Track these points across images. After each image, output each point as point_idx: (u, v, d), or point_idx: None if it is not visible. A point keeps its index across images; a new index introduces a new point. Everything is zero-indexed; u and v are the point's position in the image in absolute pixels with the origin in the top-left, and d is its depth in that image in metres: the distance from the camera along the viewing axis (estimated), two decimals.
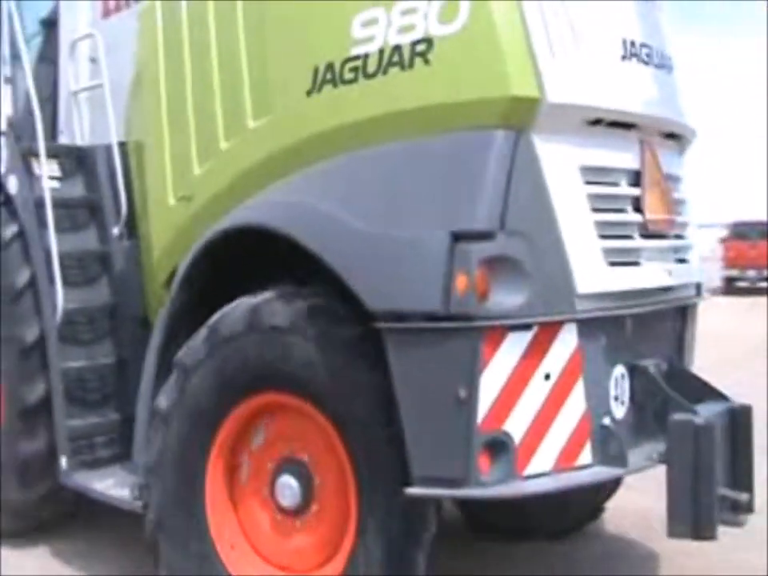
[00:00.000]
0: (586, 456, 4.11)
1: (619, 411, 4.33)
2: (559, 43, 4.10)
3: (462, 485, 3.83)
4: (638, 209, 4.48)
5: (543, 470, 3.99)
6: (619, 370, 4.36)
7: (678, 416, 4.14)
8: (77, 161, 6.09)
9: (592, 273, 4.15)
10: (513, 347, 3.88)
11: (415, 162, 4.05)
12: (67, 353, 5.68)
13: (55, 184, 5.98)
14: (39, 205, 5.81)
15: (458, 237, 3.82)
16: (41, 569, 5.12)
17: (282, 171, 4.45)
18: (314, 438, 4.31)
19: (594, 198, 4.24)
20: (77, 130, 6.21)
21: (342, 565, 4.24)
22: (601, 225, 4.24)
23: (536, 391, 3.95)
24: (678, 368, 4.74)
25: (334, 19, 4.30)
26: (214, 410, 4.43)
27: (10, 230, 5.91)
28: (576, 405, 4.08)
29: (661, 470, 4.17)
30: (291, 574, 4.48)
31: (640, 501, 6.37)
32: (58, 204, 5.87)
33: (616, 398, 4.33)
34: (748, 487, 4.35)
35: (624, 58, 4.42)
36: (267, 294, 4.35)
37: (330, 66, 4.28)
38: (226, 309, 4.44)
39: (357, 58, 4.19)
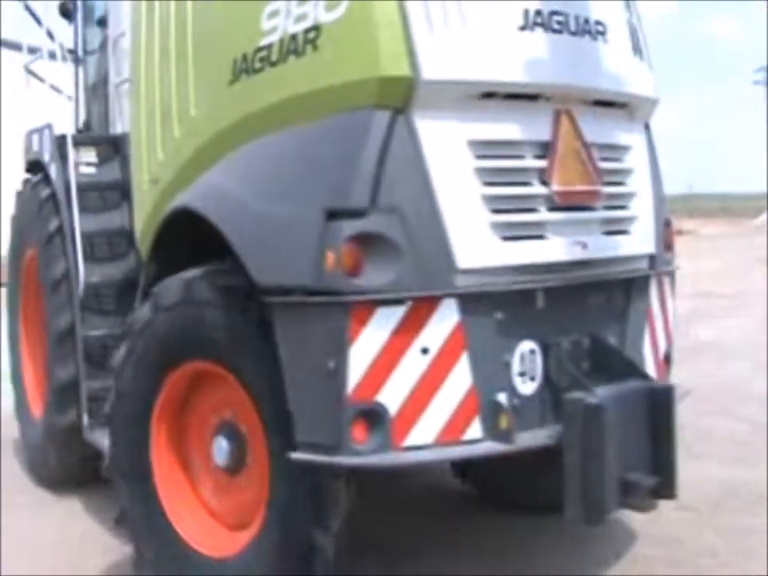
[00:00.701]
0: (474, 430, 4.15)
1: (527, 387, 4.36)
2: (441, 21, 4.16)
3: (337, 452, 3.97)
4: (546, 181, 4.43)
5: (424, 441, 4.05)
6: (528, 345, 4.36)
7: (570, 395, 4.17)
8: (113, 148, 6.65)
9: (477, 247, 4.19)
10: (383, 322, 3.96)
11: (300, 145, 4.26)
12: (90, 321, 6.24)
13: (91, 170, 6.61)
14: (74, 188, 6.47)
15: (330, 215, 3.97)
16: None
17: (215, 157, 4.75)
18: (241, 405, 4.53)
19: (486, 171, 4.26)
20: (118, 120, 6.79)
21: (255, 530, 4.48)
22: (493, 199, 4.26)
23: (412, 365, 4.01)
24: (602, 345, 4.62)
25: (247, 13, 4.59)
26: (155, 373, 4.77)
27: (53, 225, 6.58)
28: (460, 379, 4.12)
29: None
30: (220, 525, 4.85)
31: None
32: (92, 187, 6.50)
33: (523, 374, 4.34)
34: (665, 471, 4.31)
35: (524, 28, 4.37)
36: (196, 271, 4.65)
37: (244, 57, 4.58)
38: (165, 281, 4.81)
39: (264, 48, 4.46)
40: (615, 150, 4.86)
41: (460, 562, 5.42)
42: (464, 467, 6.07)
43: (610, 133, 4.82)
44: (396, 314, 3.97)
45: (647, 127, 5.19)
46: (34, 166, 7.16)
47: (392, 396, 3.98)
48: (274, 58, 4.42)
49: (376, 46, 4.04)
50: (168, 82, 5.32)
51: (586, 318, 4.63)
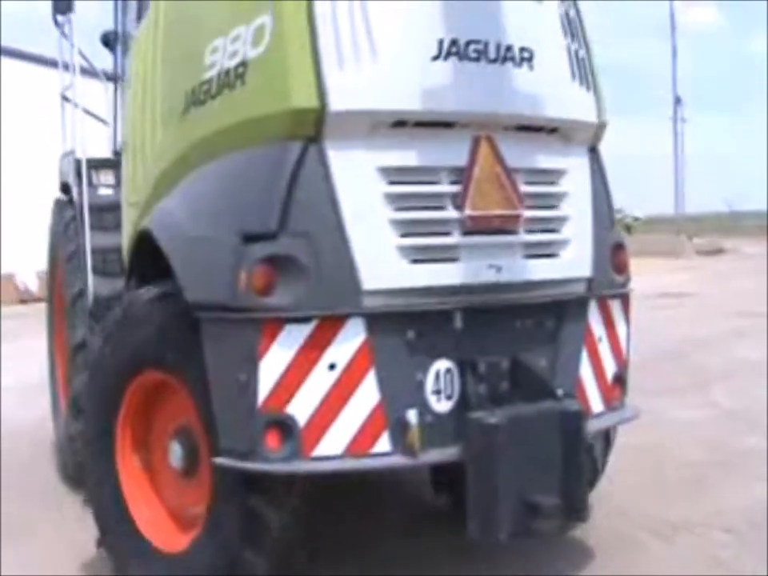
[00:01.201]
0: (383, 444, 4.41)
1: (443, 405, 4.57)
2: (352, 55, 4.44)
3: (251, 459, 4.31)
4: (460, 206, 4.64)
5: (333, 452, 4.34)
6: (444, 364, 4.58)
7: (471, 414, 4.43)
8: None
9: (384, 270, 4.45)
10: (291, 338, 4.27)
11: (227, 172, 4.69)
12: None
13: (109, 191, 7.30)
14: (90, 208, 7.13)
15: (245, 238, 4.35)
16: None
17: (174, 182, 5.15)
18: (191, 412, 4.83)
19: (396, 197, 4.52)
20: None
21: (197, 533, 4.84)
22: (402, 223, 4.52)
23: (319, 380, 4.31)
24: (522, 366, 4.76)
25: (197, 49, 5.00)
26: (117, 380, 5.20)
27: (74, 244, 7.26)
28: (367, 395, 4.38)
29: None
30: (172, 522, 5.24)
31: None
32: (109, 207, 7.10)
33: (438, 392, 4.56)
34: (573, 494, 4.46)
35: (437, 57, 4.58)
36: (149, 288, 5.11)
37: (193, 90, 5.00)
38: (125, 296, 5.36)
39: (206, 81, 4.88)
40: (544, 175, 5.03)
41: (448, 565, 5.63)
42: (438, 483, 6.19)
43: (538, 157, 4.99)
44: (303, 331, 4.29)
45: (593, 150, 5.31)
46: (65, 189, 7.86)
47: (301, 408, 4.31)
48: (213, 91, 4.84)
49: (288, 80, 4.39)
50: (145, 112, 5.86)
51: (508, 339, 4.79)
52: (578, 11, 5.26)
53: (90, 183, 7.25)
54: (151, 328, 4.92)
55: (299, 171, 4.38)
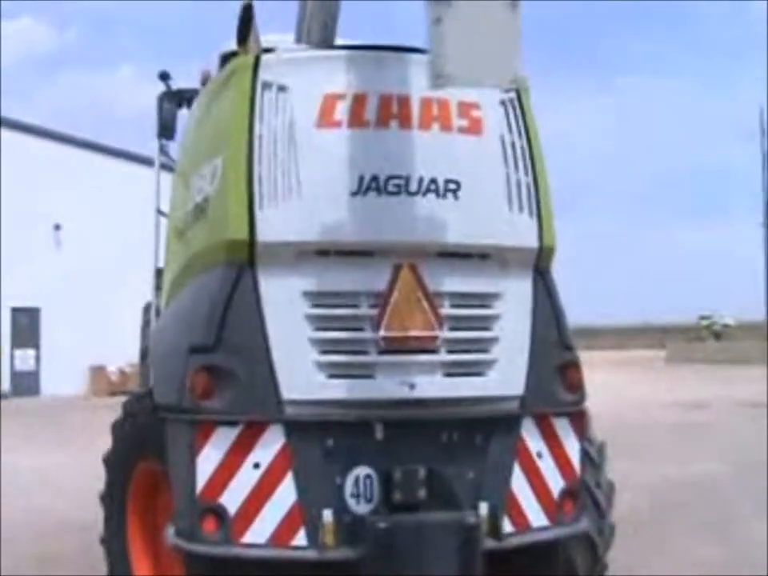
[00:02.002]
0: (300, 538, 4.92)
1: (362, 507, 5.01)
2: (281, 193, 5.08)
3: (193, 540, 4.89)
4: (377, 327, 5.10)
5: (259, 541, 4.89)
6: (363, 470, 5.04)
7: (370, 517, 4.95)
8: None
9: (303, 383, 5.00)
10: (222, 439, 4.89)
11: (190, 292, 5.45)
12: None
13: None
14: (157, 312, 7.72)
15: (191, 349, 4.99)
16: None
17: (172, 296, 5.99)
18: None
19: (317, 318, 5.07)
20: None
21: None
22: (322, 342, 5.05)
23: (246, 476, 4.89)
24: (437, 476, 5.11)
25: (193, 174, 5.72)
26: (124, 466, 6.05)
27: (144, 345, 7.73)
28: (286, 494, 4.93)
29: None
30: None
31: None
32: None
33: (357, 496, 5.02)
34: None
35: (356, 193, 5.11)
36: (143, 388, 6.07)
37: (184, 218, 5.80)
38: (130, 394, 6.28)
39: (189, 212, 5.67)
40: (473, 298, 5.35)
41: None
42: None
43: (466, 282, 5.32)
44: (232, 433, 4.92)
45: (541, 273, 5.53)
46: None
47: (231, 500, 4.88)
48: (190, 221, 5.64)
49: (227, 215, 5.12)
50: (169, 226, 6.55)
51: (429, 451, 5.15)
52: (528, 140, 5.52)
53: (157, 287, 7.58)
54: (141, 424, 5.68)
55: (234, 294, 5.07)
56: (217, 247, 5.18)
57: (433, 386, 5.17)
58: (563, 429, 5.50)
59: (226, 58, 6.60)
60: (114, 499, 6.15)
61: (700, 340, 55.95)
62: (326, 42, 5.98)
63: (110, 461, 6.20)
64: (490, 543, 5.14)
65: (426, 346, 5.18)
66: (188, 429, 4.96)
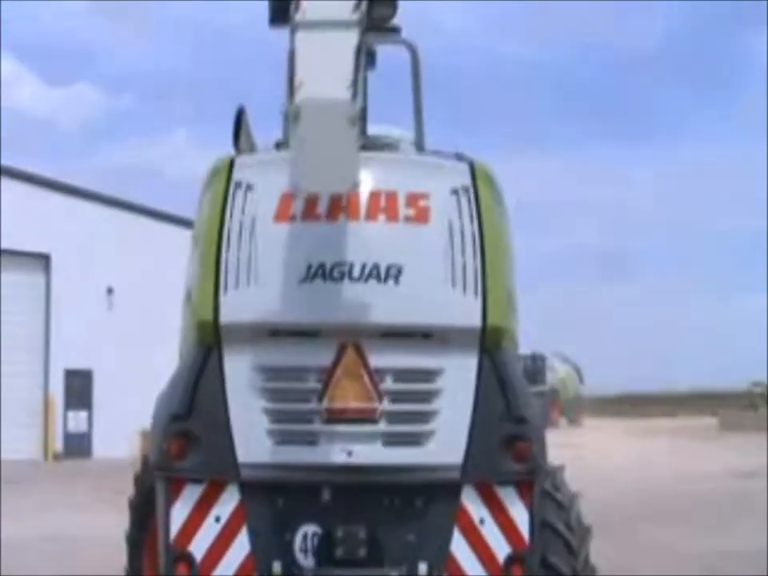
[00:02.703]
0: None
1: (309, 561, 5.69)
2: (241, 280, 5.83)
3: None
4: (321, 399, 5.76)
5: None
6: (311, 528, 5.73)
7: (304, 571, 5.67)
8: None
9: (257, 448, 5.72)
10: (190, 494, 5.76)
11: (178, 365, 6.24)
12: None
13: None
14: None
15: (171, 417, 5.82)
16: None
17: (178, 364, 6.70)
18: None
19: (270, 391, 5.80)
20: None
21: None
22: (273, 412, 5.78)
23: (210, 528, 5.73)
24: (378, 537, 5.72)
25: (187, 268, 6.44)
26: (141, 519, 6.66)
27: None
28: (241, 547, 5.71)
29: None
30: None
31: None
32: None
33: (305, 551, 5.71)
34: None
35: (305, 279, 5.80)
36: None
37: (183, 297, 6.36)
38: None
39: (184, 294, 6.31)
40: (414, 374, 5.87)
41: None
42: None
43: (408, 359, 5.88)
44: (197, 490, 5.78)
45: (488, 351, 5.90)
46: None
47: (198, 548, 5.72)
48: (184, 302, 6.30)
49: (198, 300, 5.96)
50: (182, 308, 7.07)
51: (371, 513, 5.76)
52: (480, 225, 5.99)
53: None
54: (148, 480, 6.38)
55: (203, 370, 5.87)
56: (193, 328, 6.01)
57: (372, 453, 5.76)
58: (509, 497, 5.86)
59: (279, 145, 7.33)
60: (133, 539, 6.82)
61: (753, 408, 55.28)
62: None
63: (132, 505, 6.85)
64: None
65: (365, 417, 5.79)
66: (165, 485, 5.83)
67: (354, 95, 5.14)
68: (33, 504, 18.57)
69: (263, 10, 6.35)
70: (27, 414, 30.33)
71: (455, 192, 6.04)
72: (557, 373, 57.27)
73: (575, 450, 33.98)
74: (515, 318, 6.40)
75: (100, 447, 30.90)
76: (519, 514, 5.84)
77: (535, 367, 56.03)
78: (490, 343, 5.93)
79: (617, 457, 31.39)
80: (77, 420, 31.60)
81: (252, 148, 6.84)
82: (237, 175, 6.06)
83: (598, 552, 6.71)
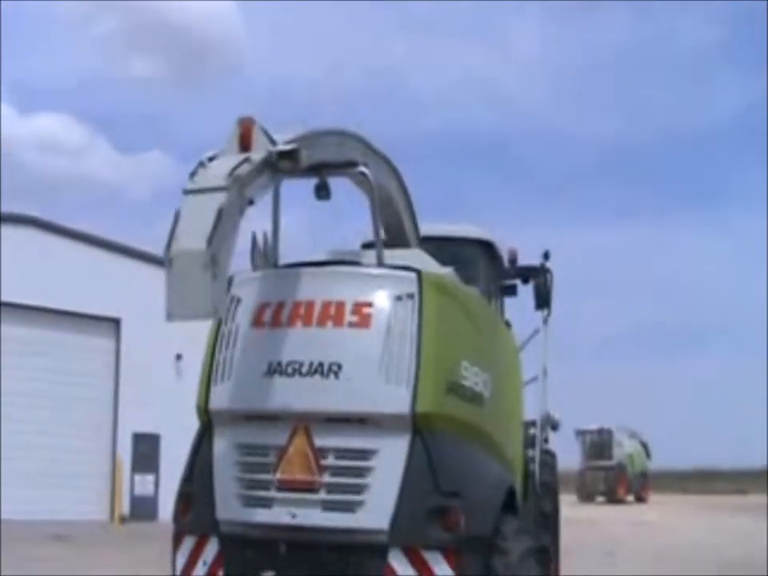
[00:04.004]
0: None
1: None
2: (225, 376, 7.37)
3: None
4: (275, 471, 7.04)
5: None
6: (270, 573, 6.95)
7: None
8: None
9: (230, 509, 7.11)
10: (187, 543, 7.35)
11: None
12: None
13: None
14: None
15: (181, 481, 7.64)
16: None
17: None
18: None
19: (242, 464, 7.20)
20: None
21: None
22: (243, 480, 7.15)
23: (200, 570, 7.21)
24: None
25: None
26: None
27: None
28: None
29: None
30: None
31: None
32: None
33: None
34: None
35: (266, 374, 7.14)
36: None
37: None
38: None
39: None
40: (351, 453, 6.98)
41: None
42: None
43: (346, 441, 7.00)
44: (191, 541, 7.33)
45: (421, 433, 6.93)
46: None
47: None
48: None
49: (198, 390, 7.58)
50: None
51: (316, 565, 6.91)
52: (419, 326, 7.04)
53: None
54: None
55: (200, 445, 7.56)
56: (197, 410, 7.62)
57: (312, 517, 6.89)
58: (435, 560, 6.74)
59: (366, 246, 8.74)
60: None
61: None
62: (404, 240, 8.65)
63: None
64: None
65: (308, 488, 6.95)
66: (174, 536, 7.45)
67: (211, 244, 6.22)
68: (99, 566, 18.74)
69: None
70: (95, 476, 30.68)
71: (399, 298, 7.13)
72: (624, 448, 56.51)
73: (642, 527, 33.55)
74: (464, 404, 7.35)
75: (165, 511, 31.04)
76: (444, 571, 6.72)
77: (602, 441, 55.58)
78: (420, 427, 6.93)
79: (683, 534, 30.87)
80: (143, 483, 31.87)
81: (268, 264, 7.96)
82: (233, 291, 7.46)
83: None
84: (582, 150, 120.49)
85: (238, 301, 7.45)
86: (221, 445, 7.33)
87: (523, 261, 10.58)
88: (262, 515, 7.00)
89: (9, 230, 29.09)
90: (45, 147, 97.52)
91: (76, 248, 31.20)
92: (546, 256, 10.64)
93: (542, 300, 10.63)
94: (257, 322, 7.34)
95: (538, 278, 10.55)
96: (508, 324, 10.10)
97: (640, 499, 56.54)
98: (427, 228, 9.22)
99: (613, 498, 53.76)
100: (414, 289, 7.12)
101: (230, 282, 7.19)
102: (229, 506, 7.10)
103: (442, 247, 9.06)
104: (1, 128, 71.96)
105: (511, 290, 10.54)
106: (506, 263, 10.19)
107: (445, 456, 6.93)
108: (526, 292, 10.78)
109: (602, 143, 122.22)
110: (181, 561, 7.30)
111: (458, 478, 6.94)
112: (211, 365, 7.42)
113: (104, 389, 31.34)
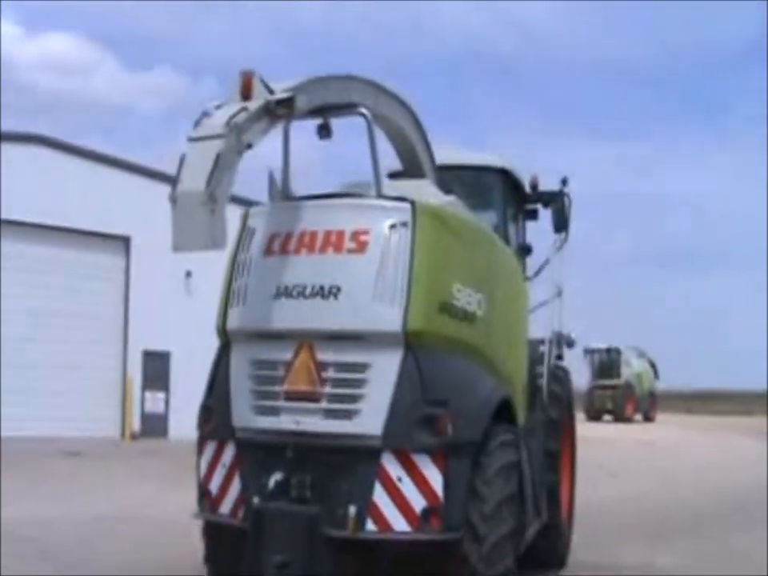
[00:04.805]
0: (240, 513, 7.84)
1: (275, 498, 7.57)
2: (240, 300, 8.12)
3: (200, 509, 8.23)
4: (282, 383, 7.78)
5: (225, 512, 7.97)
6: (278, 475, 7.58)
7: (254, 500, 7.71)
8: None
9: (245, 417, 7.92)
10: (209, 449, 8.19)
11: None
12: None
13: None
14: None
15: (204, 394, 8.38)
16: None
17: None
18: None
19: (255, 377, 7.95)
20: None
21: None
22: (256, 392, 7.92)
23: (220, 472, 8.06)
24: (320, 484, 7.54)
25: None
26: None
27: None
28: (237, 484, 7.93)
29: None
30: None
31: None
32: None
33: (273, 491, 7.55)
34: (303, 561, 7.34)
35: (275, 297, 7.86)
36: None
37: None
38: None
39: None
40: (348, 366, 7.67)
41: None
42: None
43: (345, 356, 7.69)
44: (212, 446, 8.19)
45: (412, 349, 7.58)
46: None
47: (214, 485, 8.11)
48: None
49: (218, 312, 8.27)
50: None
51: (317, 466, 7.60)
52: (412, 251, 7.68)
53: None
54: None
55: (219, 361, 8.34)
56: (216, 331, 8.37)
57: (314, 424, 7.66)
58: (423, 462, 7.44)
59: (392, 176, 9.62)
60: None
61: None
62: (414, 167, 9.42)
63: None
64: (343, 534, 7.38)
65: (311, 397, 7.70)
66: (198, 443, 8.31)
67: (209, 185, 7.13)
68: (112, 480, 18.96)
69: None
70: (106, 395, 30.92)
71: (393, 227, 7.80)
72: (632, 367, 56.77)
73: (649, 447, 33.79)
74: (455, 322, 7.96)
75: (176, 428, 31.38)
76: (433, 476, 7.42)
77: (610, 360, 55.82)
78: (412, 343, 7.60)
79: (690, 455, 31.09)
80: (154, 401, 32.12)
81: (284, 196, 8.63)
82: (248, 222, 8.39)
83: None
84: (590, 70, 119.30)
85: (252, 232, 8.30)
86: (237, 361, 8.12)
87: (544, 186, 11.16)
88: (271, 422, 7.80)
89: (18, 149, 28.98)
90: (52, 67, 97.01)
91: (85, 166, 31.03)
92: (564, 182, 11.20)
93: (561, 223, 11.31)
94: (268, 250, 8.11)
95: (557, 202, 11.22)
96: (528, 248, 11.09)
97: (647, 419, 56.91)
98: (447, 156, 9.94)
99: (620, 417, 54.11)
100: (407, 218, 7.80)
101: (246, 214, 8.41)
102: (243, 415, 7.92)
103: (461, 175, 10.19)
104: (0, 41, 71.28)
105: (533, 215, 11.44)
106: (527, 189, 10.99)
107: (434, 369, 7.65)
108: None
109: (609, 63, 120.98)
110: (204, 464, 8.18)
111: (446, 388, 7.65)
112: (228, 290, 8.22)
113: (114, 307, 31.42)
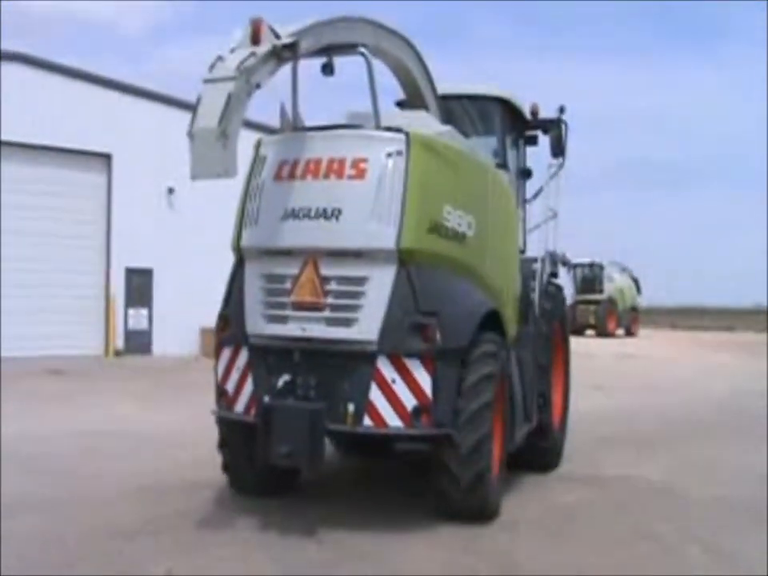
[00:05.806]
0: (253, 411, 9.03)
1: (283, 397, 8.80)
2: (252, 220, 9.28)
3: (217, 409, 9.53)
4: (290, 294, 8.92)
5: (240, 410, 9.21)
6: (286, 376, 8.85)
7: (265, 398, 8.93)
8: None
9: (257, 325, 9.11)
10: (226, 353, 9.36)
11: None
12: None
13: None
14: None
15: (221, 305, 9.62)
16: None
17: None
18: None
19: (266, 289, 9.13)
20: None
21: None
22: (266, 303, 9.09)
23: (235, 374, 9.26)
24: (324, 384, 8.79)
25: None
26: None
27: None
28: (249, 387, 9.14)
29: None
30: None
31: None
32: None
33: (282, 390, 8.77)
34: (310, 451, 8.65)
35: (283, 218, 9.00)
36: None
37: None
38: None
39: None
40: (348, 280, 8.77)
41: None
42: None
43: (345, 270, 8.78)
44: (228, 351, 9.37)
45: (405, 265, 8.65)
46: None
47: (230, 386, 9.33)
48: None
49: (233, 232, 9.46)
50: None
51: (321, 369, 8.85)
52: (406, 177, 8.72)
53: None
54: None
55: (235, 275, 9.51)
56: (232, 249, 9.50)
57: (318, 330, 8.81)
58: (414, 365, 8.55)
59: (399, 104, 11.28)
60: None
61: None
62: (418, 98, 10.57)
63: None
64: (342, 427, 8.62)
65: (315, 307, 8.83)
66: (215, 348, 9.49)
67: (221, 122, 8.09)
68: (97, 397, 19.06)
69: None
70: (89, 312, 30.85)
71: (389, 155, 8.81)
72: (615, 282, 56.96)
73: (630, 360, 34.11)
74: (445, 241, 8.99)
75: (159, 344, 31.46)
76: (422, 378, 8.53)
77: (593, 275, 55.99)
78: (405, 260, 8.63)
79: (669, 369, 31.40)
80: (137, 318, 32.05)
81: (294, 125, 9.64)
82: (260, 150, 9.45)
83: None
84: None
85: (264, 159, 9.38)
86: (249, 275, 9.30)
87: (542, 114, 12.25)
88: (280, 329, 8.97)
89: None
90: None
91: (65, 83, 30.46)
92: (562, 110, 12.14)
93: (558, 149, 12.24)
94: (277, 176, 9.19)
95: (555, 129, 12.19)
96: (528, 171, 12.42)
97: (629, 333, 57.29)
98: (451, 87, 11.25)
99: (602, 332, 54.40)
100: (402, 147, 8.83)
101: (258, 143, 9.53)
102: (255, 323, 9.11)
103: (464, 104, 11.55)
104: None
105: (533, 140, 12.55)
106: (527, 116, 12.08)
107: (425, 283, 8.67)
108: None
109: None
110: (221, 367, 9.32)
111: (436, 300, 8.67)
112: (243, 211, 9.36)
113: (96, 225, 31.17)
